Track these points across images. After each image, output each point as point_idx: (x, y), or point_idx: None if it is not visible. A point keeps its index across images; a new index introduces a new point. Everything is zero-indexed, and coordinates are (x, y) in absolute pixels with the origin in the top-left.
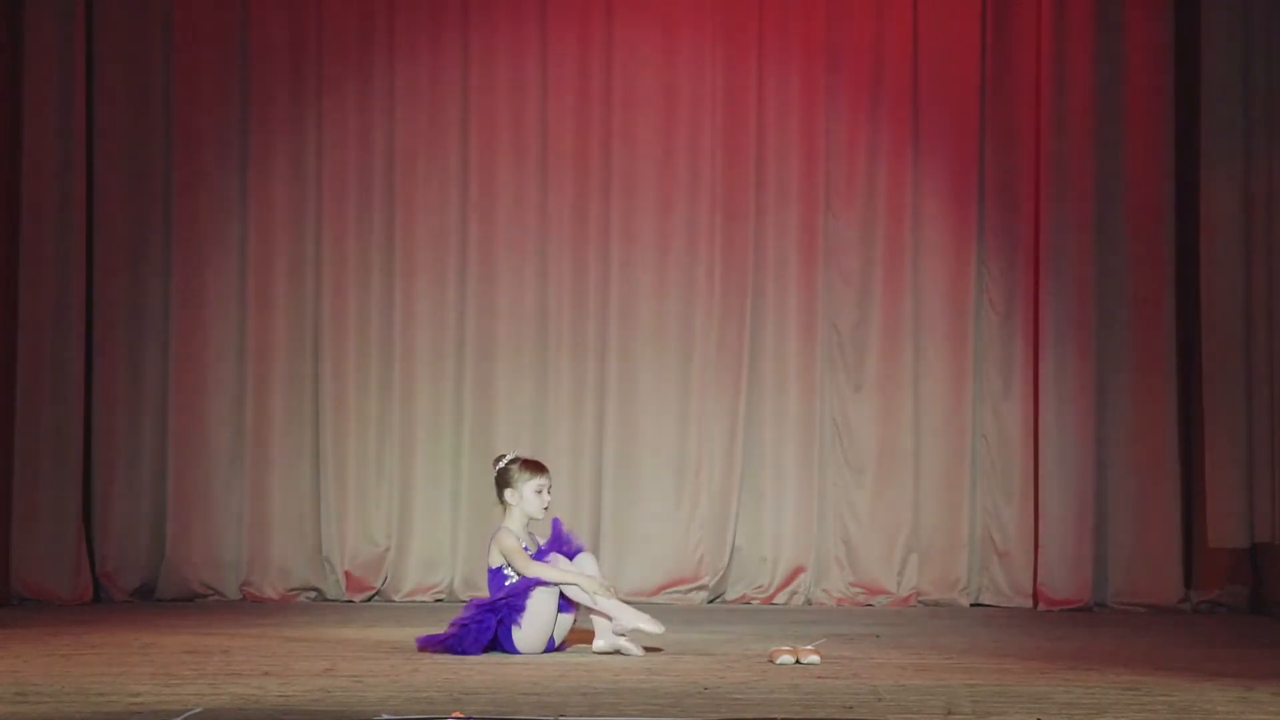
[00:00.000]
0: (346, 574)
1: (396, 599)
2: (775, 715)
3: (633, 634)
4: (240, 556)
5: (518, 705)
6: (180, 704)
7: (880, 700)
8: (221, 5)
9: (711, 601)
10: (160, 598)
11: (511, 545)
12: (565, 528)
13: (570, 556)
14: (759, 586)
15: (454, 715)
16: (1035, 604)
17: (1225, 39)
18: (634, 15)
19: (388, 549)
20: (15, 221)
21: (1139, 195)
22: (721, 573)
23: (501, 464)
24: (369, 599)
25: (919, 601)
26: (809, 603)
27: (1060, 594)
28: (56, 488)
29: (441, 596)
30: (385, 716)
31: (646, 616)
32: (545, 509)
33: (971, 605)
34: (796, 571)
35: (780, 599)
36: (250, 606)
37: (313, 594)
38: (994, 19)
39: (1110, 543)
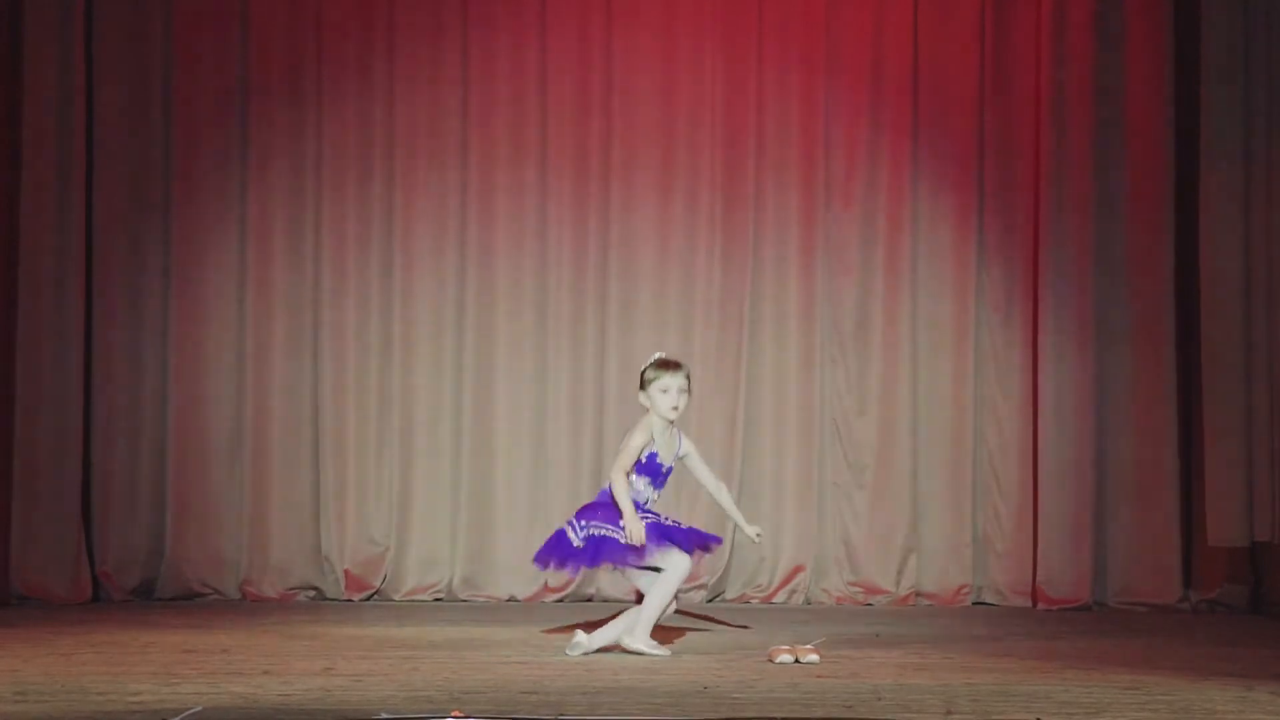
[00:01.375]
0: (346, 573)
1: (396, 598)
2: (775, 715)
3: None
4: (240, 556)
5: (518, 705)
6: (180, 704)
7: (880, 700)
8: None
9: (711, 600)
10: (160, 597)
11: (634, 444)
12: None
13: (701, 542)
14: (758, 586)
15: (454, 715)
16: (1035, 604)
17: (1225, 38)
18: (634, 12)
19: (387, 548)
20: (15, 221)
21: (1139, 194)
22: (721, 571)
23: (645, 365)
24: (368, 598)
25: (919, 601)
26: (808, 602)
27: (1060, 594)
28: (56, 487)
29: (440, 596)
30: (385, 716)
31: (640, 636)
32: (675, 409)
33: (972, 605)
34: (796, 570)
35: (780, 598)
36: (250, 606)
37: (312, 593)
38: (994, 18)
39: (1110, 543)
